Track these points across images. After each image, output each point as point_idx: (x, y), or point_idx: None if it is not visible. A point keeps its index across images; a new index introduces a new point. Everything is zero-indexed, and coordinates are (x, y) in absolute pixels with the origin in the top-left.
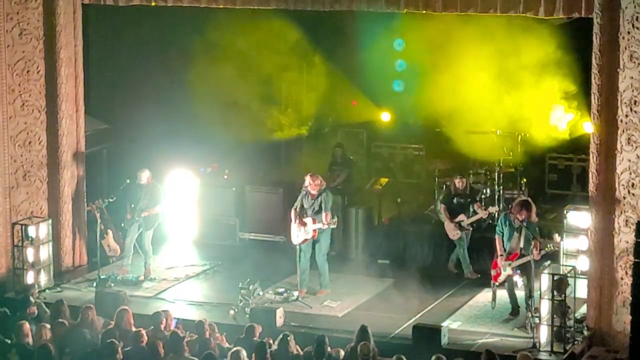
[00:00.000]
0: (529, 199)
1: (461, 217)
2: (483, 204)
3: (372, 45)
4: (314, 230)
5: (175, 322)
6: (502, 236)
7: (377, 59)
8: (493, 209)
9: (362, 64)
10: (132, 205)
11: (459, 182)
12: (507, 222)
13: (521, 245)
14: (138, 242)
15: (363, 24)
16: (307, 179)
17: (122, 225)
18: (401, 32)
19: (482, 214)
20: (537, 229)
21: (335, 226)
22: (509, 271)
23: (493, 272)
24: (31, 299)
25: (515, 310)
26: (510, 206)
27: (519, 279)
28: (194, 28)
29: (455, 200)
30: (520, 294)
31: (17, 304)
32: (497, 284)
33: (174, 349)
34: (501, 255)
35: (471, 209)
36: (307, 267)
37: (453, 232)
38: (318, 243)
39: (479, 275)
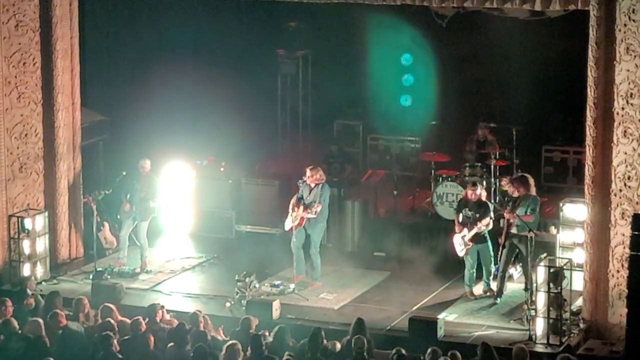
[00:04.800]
0: (525, 175)
1: (464, 231)
2: (491, 216)
3: (379, 60)
4: (302, 218)
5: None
6: None
7: (384, 73)
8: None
9: (369, 78)
10: (128, 196)
11: (470, 194)
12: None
13: (512, 221)
14: (134, 234)
15: (371, 38)
16: (307, 172)
17: (118, 216)
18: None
19: (477, 229)
20: (532, 207)
21: (314, 216)
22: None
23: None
24: (28, 291)
25: (499, 294)
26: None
27: (515, 272)
28: (191, 20)
29: (463, 212)
30: (516, 286)
31: (14, 297)
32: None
33: (178, 340)
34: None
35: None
36: (300, 255)
37: (457, 247)
38: (311, 236)
39: (475, 298)
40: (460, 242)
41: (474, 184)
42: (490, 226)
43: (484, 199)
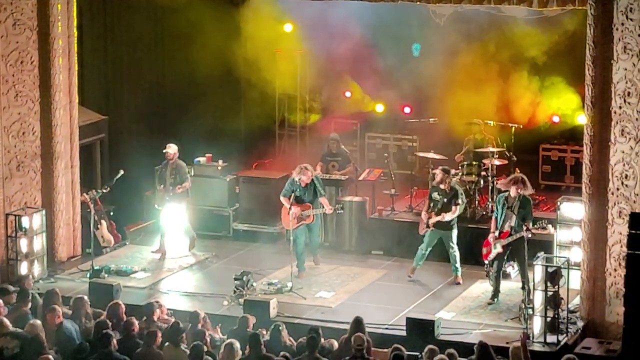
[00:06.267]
0: (522, 176)
1: (432, 215)
2: (458, 203)
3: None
4: (313, 216)
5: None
6: (498, 216)
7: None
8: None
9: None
10: (163, 186)
11: (439, 174)
12: (502, 202)
13: (512, 224)
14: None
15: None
16: (301, 174)
17: (156, 206)
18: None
19: (440, 217)
20: (530, 208)
21: (342, 211)
22: (499, 249)
23: (484, 251)
24: (31, 291)
25: (495, 294)
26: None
27: (512, 271)
28: (189, 19)
29: (433, 195)
30: (513, 284)
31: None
32: (487, 262)
33: (173, 339)
34: (493, 232)
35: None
36: (303, 251)
37: (421, 226)
38: (311, 232)
39: (460, 283)
40: (424, 221)
41: (446, 171)
42: (457, 213)
43: (453, 184)
